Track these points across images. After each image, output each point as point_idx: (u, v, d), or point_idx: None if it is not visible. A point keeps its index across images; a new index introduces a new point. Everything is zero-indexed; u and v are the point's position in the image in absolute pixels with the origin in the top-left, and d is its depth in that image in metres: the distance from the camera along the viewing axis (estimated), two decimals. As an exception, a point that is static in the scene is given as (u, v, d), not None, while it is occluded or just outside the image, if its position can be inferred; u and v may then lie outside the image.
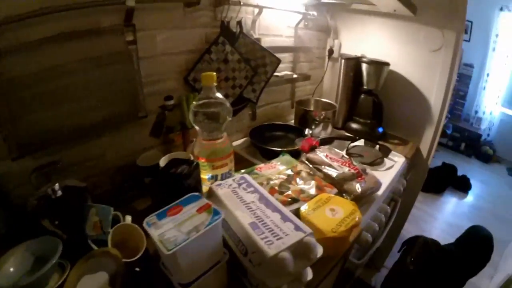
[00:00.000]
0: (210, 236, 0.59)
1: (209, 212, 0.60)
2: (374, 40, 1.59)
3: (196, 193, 0.66)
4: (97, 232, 0.82)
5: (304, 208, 0.82)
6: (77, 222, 0.84)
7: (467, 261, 1.53)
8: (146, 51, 1.02)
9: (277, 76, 1.44)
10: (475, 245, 1.60)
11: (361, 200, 0.98)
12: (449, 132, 3.88)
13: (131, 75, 0.99)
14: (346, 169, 1.04)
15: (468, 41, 3.64)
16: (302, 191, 0.90)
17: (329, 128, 1.47)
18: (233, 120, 1.35)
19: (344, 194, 0.97)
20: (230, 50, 1.17)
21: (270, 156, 1.16)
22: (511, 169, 3.58)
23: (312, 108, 1.57)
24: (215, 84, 0.82)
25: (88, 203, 0.87)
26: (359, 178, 1.01)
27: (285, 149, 1.19)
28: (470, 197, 2.99)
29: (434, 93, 1.46)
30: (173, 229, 0.55)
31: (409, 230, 1.99)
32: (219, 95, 0.83)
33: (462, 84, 3.91)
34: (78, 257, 0.74)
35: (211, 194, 0.76)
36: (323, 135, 1.42)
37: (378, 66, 1.45)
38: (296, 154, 1.17)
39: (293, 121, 1.58)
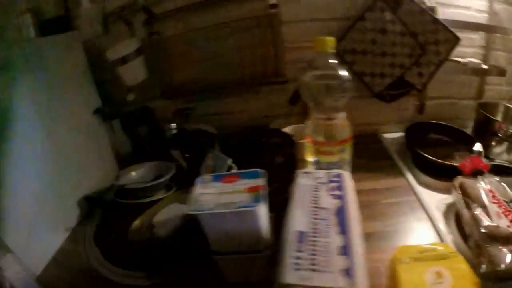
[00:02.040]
0: (242, 220, 0.51)
1: (252, 195, 0.50)
2: None
3: (260, 170, 0.58)
4: None
5: (400, 250, 0.54)
6: (198, 160, 0.97)
7: None
8: (288, 15, 0.99)
9: (457, 61, 1.06)
10: None
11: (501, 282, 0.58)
12: None
13: (273, 40, 1.03)
14: (505, 222, 0.63)
15: None
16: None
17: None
18: (392, 107, 1.15)
19: (480, 261, 0.59)
20: (390, 19, 0.93)
21: (420, 164, 0.91)
22: None
23: (498, 118, 1.11)
24: (333, 50, 0.64)
25: (214, 148, 1.00)
26: None
27: (439, 160, 0.88)
28: None
29: None
30: (213, 195, 0.54)
31: None
32: (335, 64, 0.66)
33: None
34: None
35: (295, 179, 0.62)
36: (503, 159, 0.99)
37: None
38: (451, 172, 0.81)
39: (471, 130, 1.14)
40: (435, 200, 0.82)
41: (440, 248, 0.54)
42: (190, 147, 1.04)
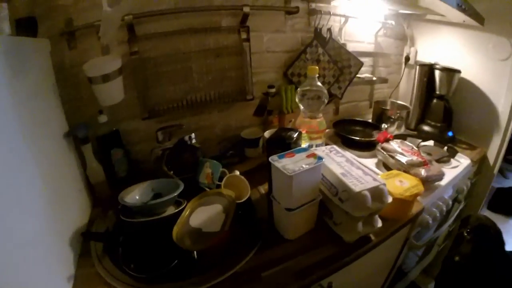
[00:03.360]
0: (315, 173, 0.84)
1: (315, 158, 0.84)
2: (447, 49, 1.71)
3: (305, 147, 0.93)
4: (208, 181, 1.08)
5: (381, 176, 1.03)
6: (189, 172, 1.10)
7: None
8: (255, 48, 1.31)
9: (358, 77, 1.65)
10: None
11: (425, 186, 1.11)
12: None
13: (243, 65, 1.28)
14: (414, 158, 1.20)
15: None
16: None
17: (402, 128, 1.63)
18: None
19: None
20: (322, 52, 1.42)
21: (349, 144, 1.43)
22: None
23: (388, 108, 1.73)
24: (317, 75, 1.07)
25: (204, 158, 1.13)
26: (425, 166, 1.17)
27: (364, 139, 1.42)
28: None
29: (503, 101, 1.54)
30: (290, 164, 0.80)
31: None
32: (319, 83, 1.08)
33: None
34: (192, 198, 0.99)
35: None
36: (396, 133, 1.59)
37: (450, 73, 1.57)
38: (371, 145, 1.39)
39: (370, 119, 1.77)
40: (368, 161, 1.35)
41: (394, 172, 1.07)
42: (179, 162, 1.12)
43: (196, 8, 1.15)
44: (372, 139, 1.41)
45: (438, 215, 1.27)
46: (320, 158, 0.83)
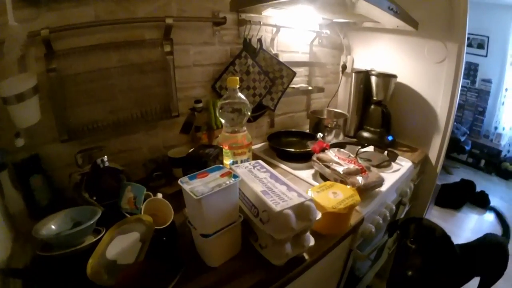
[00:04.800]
0: (229, 194, 0.75)
1: (230, 177, 0.75)
2: (383, 55, 1.74)
3: (220, 165, 0.83)
4: (130, 206, 0.97)
5: (309, 190, 0.96)
6: (112, 197, 0.99)
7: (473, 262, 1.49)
8: (181, 62, 1.23)
9: (293, 87, 1.61)
10: (487, 250, 1.56)
11: (364, 193, 1.09)
12: (468, 148, 3.82)
13: (168, 81, 1.19)
14: (351, 166, 1.16)
15: (485, 56, 3.71)
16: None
17: (341, 136, 1.61)
18: (253, 126, 1.54)
19: (348, 187, 1.08)
20: (251, 63, 1.36)
21: (285, 157, 1.37)
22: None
23: (325, 117, 1.71)
24: (238, 86, 1.00)
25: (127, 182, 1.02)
26: (363, 173, 1.13)
27: (299, 150, 1.36)
28: (489, 214, 2.97)
29: (440, 102, 1.58)
30: (201, 186, 0.71)
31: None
32: (241, 95, 1.01)
33: (481, 100, 3.92)
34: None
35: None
36: (334, 141, 1.56)
37: (386, 78, 1.59)
38: (307, 156, 1.33)
39: (308, 130, 1.72)
40: (305, 173, 1.31)
41: (328, 183, 1.01)
42: (100, 187, 1.02)
43: (118, 21, 1.06)
44: (307, 150, 1.35)
45: (381, 222, 1.23)
46: (235, 177, 0.75)
